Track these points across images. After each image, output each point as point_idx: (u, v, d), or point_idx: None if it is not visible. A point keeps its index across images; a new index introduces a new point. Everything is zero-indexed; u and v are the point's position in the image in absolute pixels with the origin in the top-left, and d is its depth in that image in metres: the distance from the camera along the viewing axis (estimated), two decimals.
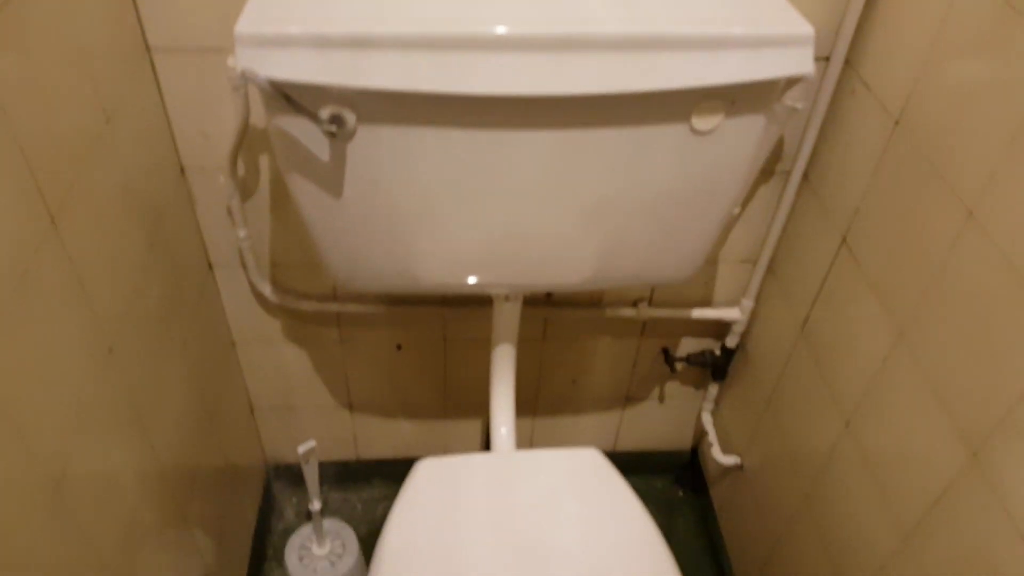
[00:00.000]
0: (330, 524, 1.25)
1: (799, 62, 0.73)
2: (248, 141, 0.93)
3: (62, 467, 0.64)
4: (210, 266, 1.05)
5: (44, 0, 0.64)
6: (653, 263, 0.90)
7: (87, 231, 0.70)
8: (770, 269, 1.10)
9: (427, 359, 1.20)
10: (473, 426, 1.31)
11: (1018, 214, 0.63)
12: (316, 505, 1.13)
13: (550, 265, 0.88)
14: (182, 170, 0.95)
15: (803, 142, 0.98)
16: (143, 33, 0.84)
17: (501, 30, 0.66)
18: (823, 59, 0.92)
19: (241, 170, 0.96)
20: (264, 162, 0.95)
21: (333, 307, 1.09)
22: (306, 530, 1.23)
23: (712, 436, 1.28)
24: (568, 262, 0.88)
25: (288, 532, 1.29)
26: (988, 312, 0.67)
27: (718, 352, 1.21)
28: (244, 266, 1.04)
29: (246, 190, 0.98)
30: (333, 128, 0.69)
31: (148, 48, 0.85)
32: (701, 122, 0.75)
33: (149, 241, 0.85)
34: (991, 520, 0.67)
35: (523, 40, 0.66)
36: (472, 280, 0.89)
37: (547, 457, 0.95)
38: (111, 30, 0.77)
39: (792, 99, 0.88)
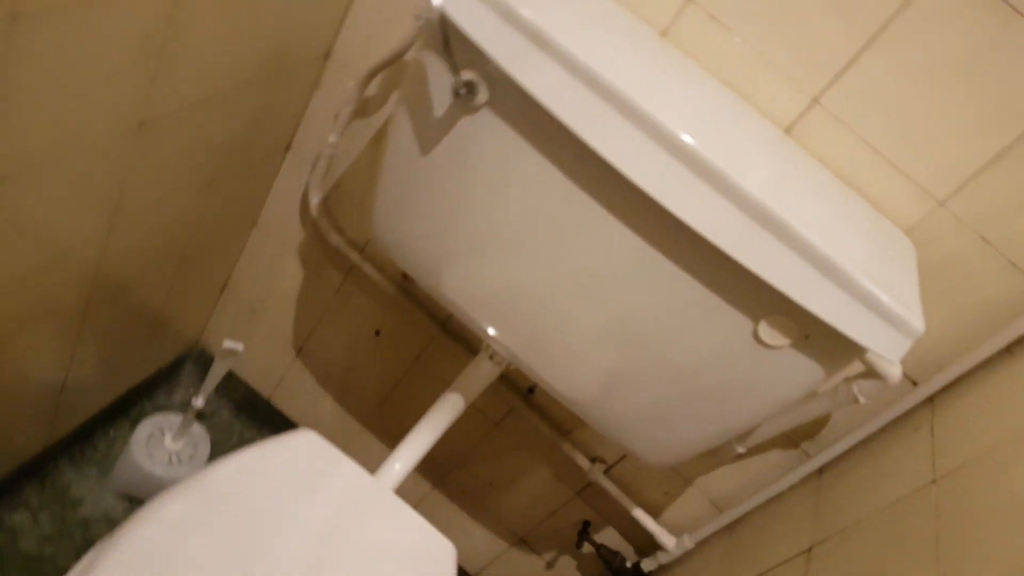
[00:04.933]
0: (197, 429, 1.19)
1: (891, 347, 0.67)
2: (395, 71, 0.94)
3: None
4: (287, 147, 1.05)
5: None
6: (639, 423, 0.83)
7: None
8: (730, 528, 1.02)
9: (391, 362, 1.15)
10: (383, 450, 1.24)
11: None
12: (199, 402, 1.08)
13: (550, 356, 0.83)
14: (328, 54, 0.96)
15: (839, 440, 0.91)
16: None
17: (666, 122, 0.63)
18: (911, 380, 0.87)
19: (372, 91, 0.96)
20: (394, 97, 0.95)
21: (353, 257, 1.07)
22: (172, 419, 1.17)
23: None
24: (566, 365, 0.83)
25: (158, 410, 1.23)
26: None
27: (629, 564, 1.11)
28: (313, 167, 1.04)
29: (363, 109, 0.98)
30: (463, 91, 0.68)
31: None
32: (766, 332, 0.70)
33: (254, 79, 0.85)
34: None
35: (677, 145, 0.63)
36: (479, 314, 0.85)
37: (409, 521, 0.88)
38: None
39: (860, 389, 0.83)
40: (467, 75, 0.69)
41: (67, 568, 1.06)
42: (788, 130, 0.78)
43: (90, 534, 1.11)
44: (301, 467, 0.88)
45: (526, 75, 0.65)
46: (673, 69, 0.76)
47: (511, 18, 0.65)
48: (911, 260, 0.77)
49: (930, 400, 0.85)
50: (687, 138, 0.63)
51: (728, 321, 0.71)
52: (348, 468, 0.90)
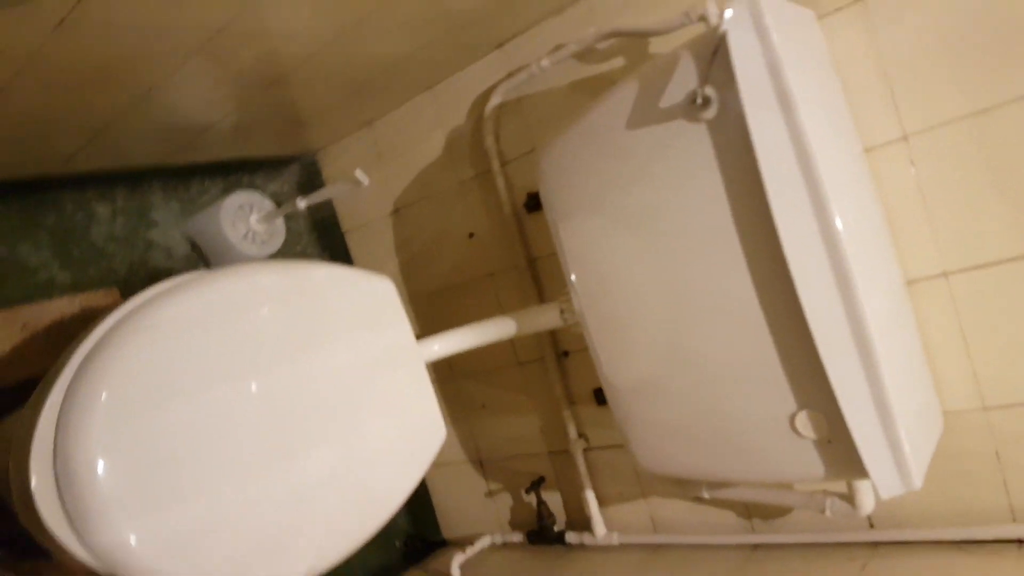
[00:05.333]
0: (279, 223, 1.29)
1: (886, 486, 0.78)
2: (630, 42, 1.02)
3: None
4: (500, 46, 1.14)
5: None
6: (650, 428, 0.95)
7: None
8: (655, 548, 1.14)
9: (466, 265, 1.26)
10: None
11: None
12: (301, 204, 1.18)
13: (613, 336, 0.95)
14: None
15: (786, 533, 1.04)
16: None
17: (837, 219, 0.74)
18: (871, 521, 0.98)
19: (602, 45, 1.04)
20: (616, 60, 1.04)
21: (494, 164, 1.17)
22: (263, 202, 1.27)
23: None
24: (623, 350, 0.94)
25: (253, 188, 1.33)
26: None
27: (557, 529, 1.23)
28: (510, 74, 1.13)
29: (583, 55, 1.06)
30: (699, 99, 0.77)
31: None
32: (802, 421, 0.81)
33: None
34: None
35: (834, 242, 0.74)
36: (577, 266, 0.95)
37: (425, 394, 0.99)
38: None
39: (831, 505, 0.95)
40: (710, 91, 0.78)
41: (114, 271, 1.17)
42: (910, 283, 0.89)
43: (149, 255, 1.22)
44: (372, 306, 0.99)
45: (757, 123, 0.75)
46: (858, 182, 0.86)
47: (775, 72, 0.74)
48: (936, 434, 0.88)
49: (875, 544, 0.97)
50: (845, 240, 0.74)
51: (777, 394, 0.82)
52: (404, 327, 1.00)
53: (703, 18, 0.89)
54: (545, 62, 1.06)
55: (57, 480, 0.71)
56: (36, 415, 0.72)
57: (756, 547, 1.06)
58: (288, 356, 0.88)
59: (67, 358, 0.75)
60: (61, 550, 0.73)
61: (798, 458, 0.83)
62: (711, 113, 0.79)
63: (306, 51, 0.95)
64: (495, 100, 1.13)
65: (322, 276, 0.96)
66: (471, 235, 1.25)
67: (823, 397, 0.78)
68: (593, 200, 0.92)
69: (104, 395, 0.73)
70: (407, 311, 1.26)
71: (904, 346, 0.85)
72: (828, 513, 0.94)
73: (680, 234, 0.85)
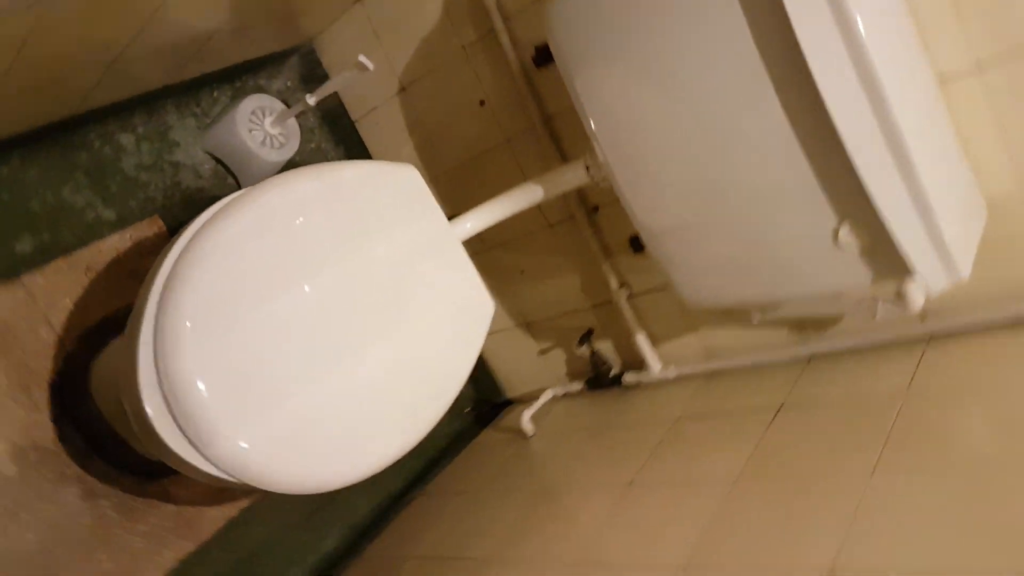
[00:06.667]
0: (292, 123, 1.28)
1: (935, 280, 0.80)
2: None
3: None
4: None
5: None
6: (697, 266, 0.97)
7: None
8: (711, 375, 1.19)
9: (482, 135, 1.25)
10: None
11: None
12: (311, 100, 1.16)
13: (643, 186, 0.95)
14: None
15: (838, 338, 1.07)
16: None
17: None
18: (921, 316, 1.00)
19: None
20: None
21: (497, 22, 1.13)
22: (274, 104, 1.26)
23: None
24: (657, 198, 0.95)
25: (258, 90, 1.31)
26: None
27: (612, 372, 1.29)
28: None
29: None
30: None
31: None
32: (845, 233, 0.81)
33: None
34: None
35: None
36: (597, 118, 0.94)
37: (466, 272, 1.01)
38: None
39: (882, 308, 0.97)
40: None
41: (152, 199, 1.19)
42: (942, 80, 0.87)
43: (179, 177, 1.23)
44: (402, 196, 0.99)
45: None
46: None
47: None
48: (980, 223, 0.88)
49: (929, 338, 0.99)
50: (870, 45, 0.71)
51: (816, 212, 0.82)
52: (435, 212, 1.01)
53: None
54: None
55: (168, 406, 0.76)
56: (134, 352, 0.77)
57: (811, 358, 1.10)
58: (335, 259, 0.90)
59: (146, 294, 0.79)
60: (187, 466, 0.79)
61: (845, 270, 0.85)
62: None
63: None
64: None
65: (351, 175, 0.96)
66: (482, 102, 1.22)
67: (862, 206, 0.78)
68: (609, 45, 0.89)
69: (188, 324, 0.77)
70: (432, 193, 1.27)
71: (938, 143, 0.84)
72: (879, 317, 0.96)
73: (703, 69, 0.83)
